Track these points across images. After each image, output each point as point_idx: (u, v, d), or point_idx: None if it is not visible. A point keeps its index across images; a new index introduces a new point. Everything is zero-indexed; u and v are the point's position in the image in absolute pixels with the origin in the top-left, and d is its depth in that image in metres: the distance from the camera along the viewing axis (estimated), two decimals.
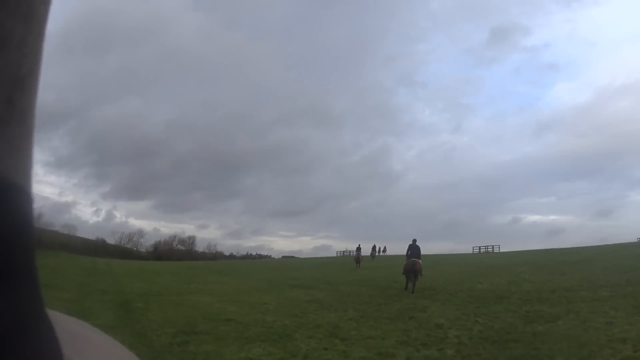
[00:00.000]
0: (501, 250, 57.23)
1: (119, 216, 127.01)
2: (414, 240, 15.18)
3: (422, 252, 14.90)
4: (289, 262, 50.25)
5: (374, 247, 44.33)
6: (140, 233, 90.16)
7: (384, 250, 52.96)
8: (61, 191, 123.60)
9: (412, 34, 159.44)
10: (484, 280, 15.75)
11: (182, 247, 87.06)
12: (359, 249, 33.16)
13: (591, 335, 6.60)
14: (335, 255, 70.88)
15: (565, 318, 8.08)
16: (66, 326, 0.29)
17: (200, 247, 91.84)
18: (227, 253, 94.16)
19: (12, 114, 0.22)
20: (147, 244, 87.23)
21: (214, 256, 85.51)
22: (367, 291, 14.50)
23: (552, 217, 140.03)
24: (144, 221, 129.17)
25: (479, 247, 64.17)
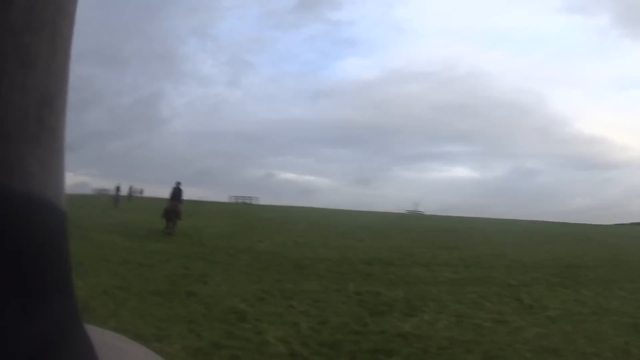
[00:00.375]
0: (260, 203, 59.50)
1: None
2: (178, 184, 15.30)
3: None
4: None
5: (130, 188, 43.49)
6: None
7: (141, 192, 52.94)
8: None
9: None
10: (264, 239, 14.34)
11: None
12: (118, 188, 30.92)
13: None
14: (91, 193, 64.07)
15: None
16: (103, 339, 0.29)
17: None
18: None
19: (42, 133, 0.22)
20: None
21: None
22: (125, 242, 11.99)
23: (307, 177, 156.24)
24: None
25: (236, 196, 64.67)
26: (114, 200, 29.25)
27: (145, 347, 0.37)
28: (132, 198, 40.83)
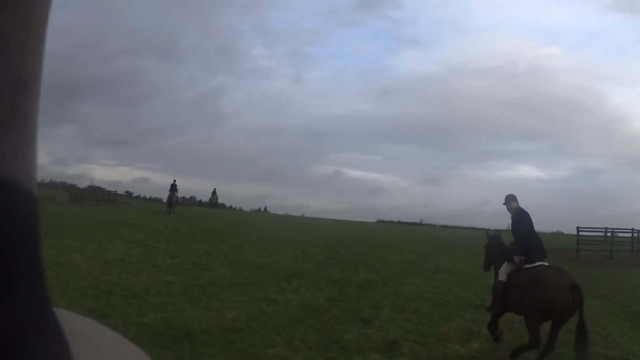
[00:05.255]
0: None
1: None
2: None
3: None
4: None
5: (214, 192, 37.94)
6: None
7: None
8: None
9: None
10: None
11: None
12: (174, 186, 24.70)
13: None
14: (150, 196, 60.17)
15: None
16: (74, 325, 0.29)
17: None
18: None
19: (15, 118, 0.22)
20: None
21: None
22: None
23: (374, 175, 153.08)
24: None
25: None
26: (168, 203, 24.18)
27: (116, 332, 0.37)
28: (217, 204, 37.17)
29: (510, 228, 5.88)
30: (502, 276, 5.53)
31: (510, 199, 5.87)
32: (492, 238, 6.14)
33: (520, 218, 5.71)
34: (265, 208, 58.16)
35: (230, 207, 54.87)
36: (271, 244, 13.57)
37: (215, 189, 39.25)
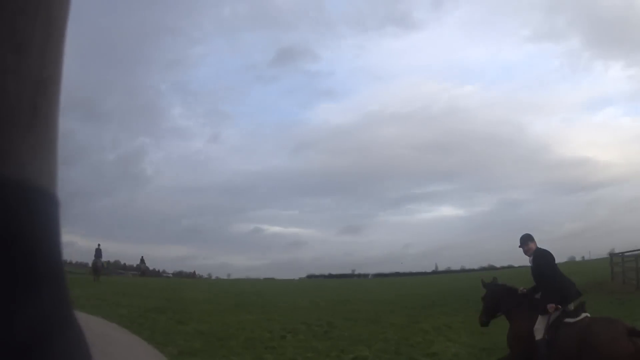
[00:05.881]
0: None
1: None
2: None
3: None
4: None
5: (142, 260, 38.36)
6: None
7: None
8: None
9: (197, 36, 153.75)
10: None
11: None
12: (98, 251, 23.39)
13: None
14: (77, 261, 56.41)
15: None
16: (94, 328, 0.29)
17: None
18: None
19: (36, 120, 0.22)
20: None
21: None
22: None
23: (294, 230, 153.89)
24: None
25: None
26: (94, 269, 22.90)
27: (135, 335, 0.37)
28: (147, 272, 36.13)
29: (531, 273, 5.13)
30: (539, 334, 4.57)
31: (526, 240, 5.14)
32: (493, 285, 5.44)
33: (542, 259, 5.00)
34: (194, 272, 57.33)
35: (159, 271, 54.66)
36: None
37: (142, 256, 39.67)
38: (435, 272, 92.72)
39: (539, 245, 5.16)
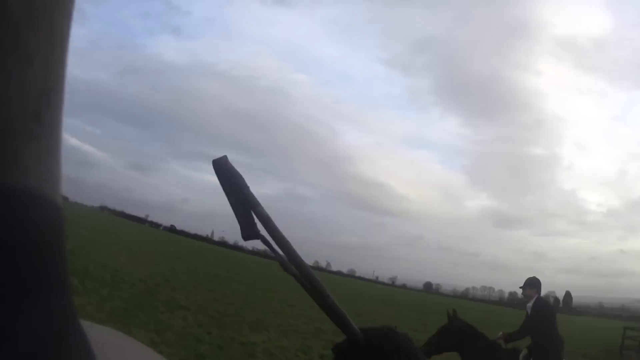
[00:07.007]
0: None
1: None
2: None
3: None
4: None
5: None
6: None
7: None
8: None
9: None
10: None
11: None
12: None
13: None
14: None
15: None
16: (100, 336, 0.29)
17: None
18: None
19: (39, 129, 0.22)
20: None
21: None
22: None
23: (89, 148, 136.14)
24: None
25: None
26: None
27: (141, 343, 0.37)
28: None
29: (526, 322, 4.68)
30: None
31: (531, 285, 4.68)
32: (460, 322, 4.57)
33: (542, 314, 4.54)
34: None
35: None
36: None
37: None
38: (208, 240, 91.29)
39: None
